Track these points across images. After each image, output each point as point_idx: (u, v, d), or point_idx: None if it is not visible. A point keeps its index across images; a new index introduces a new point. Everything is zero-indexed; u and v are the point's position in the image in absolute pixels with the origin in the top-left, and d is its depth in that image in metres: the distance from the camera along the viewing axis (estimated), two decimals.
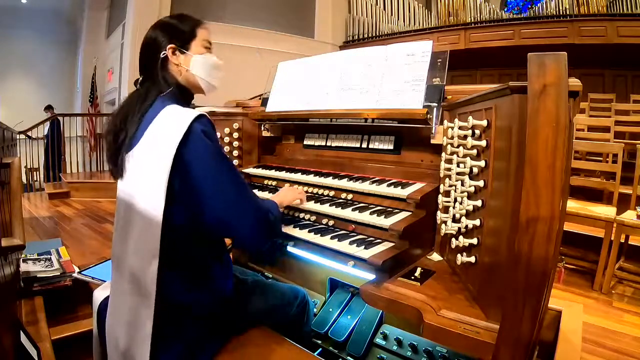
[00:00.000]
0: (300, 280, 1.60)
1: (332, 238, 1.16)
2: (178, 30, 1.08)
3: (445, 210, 1.08)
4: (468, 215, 0.96)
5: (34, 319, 1.57)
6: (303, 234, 1.21)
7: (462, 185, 0.96)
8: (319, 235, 1.19)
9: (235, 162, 1.80)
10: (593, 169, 3.25)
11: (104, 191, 5.33)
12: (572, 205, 2.62)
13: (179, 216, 0.94)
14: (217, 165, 0.95)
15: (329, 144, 1.63)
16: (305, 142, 1.72)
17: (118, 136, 1.01)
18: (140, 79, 1.10)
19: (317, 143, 1.67)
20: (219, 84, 1.16)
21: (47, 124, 6.73)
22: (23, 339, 1.28)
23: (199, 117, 0.94)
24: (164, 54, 1.05)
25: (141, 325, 0.94)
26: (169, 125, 0.94)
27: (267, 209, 1.06)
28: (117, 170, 1.02)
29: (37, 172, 6.78)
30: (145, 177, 0.95)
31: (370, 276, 1.07)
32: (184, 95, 1.11)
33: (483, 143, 0.90)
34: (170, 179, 0.90)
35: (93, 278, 1.87)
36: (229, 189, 0.95)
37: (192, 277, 1.01)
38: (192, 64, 1.08)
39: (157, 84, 1.05)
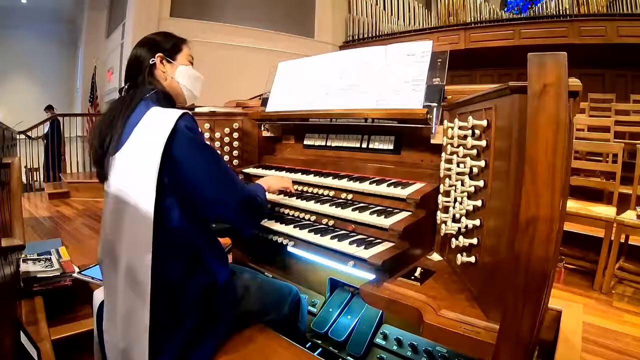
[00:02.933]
0: (301, 280, 1.60)
1: (332, 238, 1.16)
2: (166, 43, 1.20)
3: (445, 210, 1.08)
4: (468, 215, 0.96)
5: (34, 319, 1.57)
6: (303, 234, 1.21)
7: (462, 185, 0.96)
8: (319, 235, 1.19)
9: (235, 162, 1.80)
10: (593, 169, 3.25)
11: (104, 191, 5.31)
12: (572, 205, 2.61)
13: (171, 208, 0.99)
14: (203, 155, 1.03)
15: (329, 144, 1.63)
16: (305, 142, 1.71)
17: (104, 140, 1.05)
18: (125, 87, 1.17)
19: (317, 143, 1.67)
20: (200, 95, 1.28)
21: (47, 124, 6.73)
22: (23, 339, 1.28)
23: (183, 115, 1.00)
24: (152, 61, 1.15)
25: (138, 321, 0.95)
26: (155, 125, 1.00)
27: (253, 190, 1.18)
28: (103, 173, 1.08)
29: (37, 172, 6.78)
30: (135, 174, 0.99)
31: (370, 276, 1.07)
32: (167, 100, 1.17)
33: (483, 143, 0.90)
34: (160, 174, 0.95)
35: (93, 278, 1.86)
36: (215, 176, 1.04)
37: (186, 265, 1.04)
38: (177, 73, 1.20)
39: (141, 88, 1.12)
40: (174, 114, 0.99)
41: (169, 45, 1.20)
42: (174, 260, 1.01)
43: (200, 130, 1.09)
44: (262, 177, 1.62)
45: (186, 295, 1.02)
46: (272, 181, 1.39)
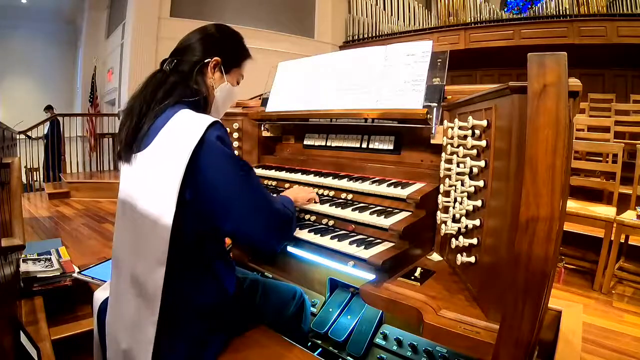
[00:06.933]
0: (300, 280, 1.60)
1: (332, 238, 1.16)
2: (231, 50, 1.09)
3: (445, 210, 1.08)
4: (468, 215, 0.96)
5: (34, 319, 1.57)
6: (303, 234, 1.21)
7: (462, 185, 0.96)
8: (319, 235, 1.19)
9: None
10: (593, 169, 3.26)
11: (104, 191, 5.32)
12: (572, 205, 2.62)
13: (189, 222, 0.93)
14: (234, 172, 0.93)
15: (329, 144, 1.63)
16: (305, 142, 1.72)
17: (136, 129, 0.96)
18: (168, 61, 1.05)
19: (317, 143, 1.67)
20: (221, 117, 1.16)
21: (47, 124, 6.73)
22: (23, 339, 1.28)
23: (213, 124, 0.91)
24: (208, 60, 1.04)
25: (144, 329, 0.93)
26: (182, 131, 0.91)
27: (283, 210, 1.06)
28: (126, 160, 0.98)
29: (37, 172, 6.78)
30: (155, 182, 0.92)
31: (370, 276, 1.07)
32: (204, 107, 1.08)
33: (483, 143, 0.90)
34: (182, 186, 0.88)
35: (93, 278, 1.86)
36: (246, 196, 0.94)
37: (199, 279, 1.01)
38: (221, 88, 1.09)
39: (186, 85, 1.01)
40: (202, 123, 0.90)
41: (231, 54, 1.09)
42: (186, 275, 0.98)
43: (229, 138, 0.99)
44: (262, 177, 1.62)
45: (196, 307, 0.99)
46: (299, 193, 1.30)
